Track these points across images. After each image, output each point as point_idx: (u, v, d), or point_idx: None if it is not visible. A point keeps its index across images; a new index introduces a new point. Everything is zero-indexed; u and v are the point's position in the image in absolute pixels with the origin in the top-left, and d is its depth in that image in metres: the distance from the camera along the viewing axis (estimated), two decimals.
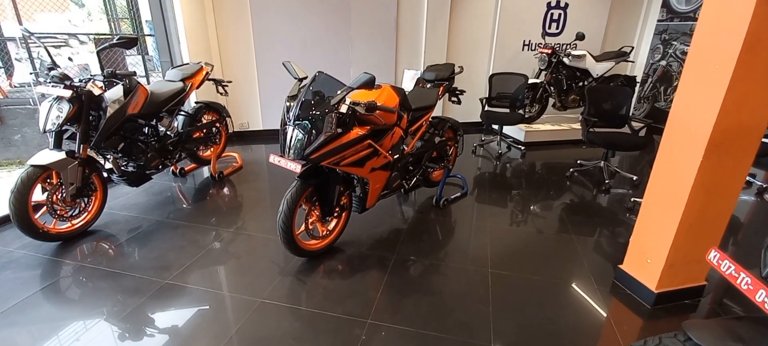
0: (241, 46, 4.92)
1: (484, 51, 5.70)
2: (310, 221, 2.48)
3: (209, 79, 3.73)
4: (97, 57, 2.90)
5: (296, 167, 2.22)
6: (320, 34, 5.06)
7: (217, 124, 3.90)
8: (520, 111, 4.81)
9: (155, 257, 2.55)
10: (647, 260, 2.17)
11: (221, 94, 3.92)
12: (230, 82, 3.98)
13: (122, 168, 3.06)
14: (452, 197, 3.45)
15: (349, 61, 5.26)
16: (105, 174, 2.92)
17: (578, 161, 4.41)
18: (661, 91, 6.05)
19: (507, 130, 5.46)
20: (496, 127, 5.31)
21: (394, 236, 2.87)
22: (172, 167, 3.89)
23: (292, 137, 2.17)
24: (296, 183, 2.31)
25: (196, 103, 3.85)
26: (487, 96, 4.94)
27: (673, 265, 2.09)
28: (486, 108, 4.89)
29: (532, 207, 3.43)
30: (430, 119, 3.16)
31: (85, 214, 2.82)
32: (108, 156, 2.96)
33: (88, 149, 2.67)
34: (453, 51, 5.55)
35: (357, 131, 2.31)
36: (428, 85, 3.32)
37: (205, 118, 3.89)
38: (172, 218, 3.06)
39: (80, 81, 2.62)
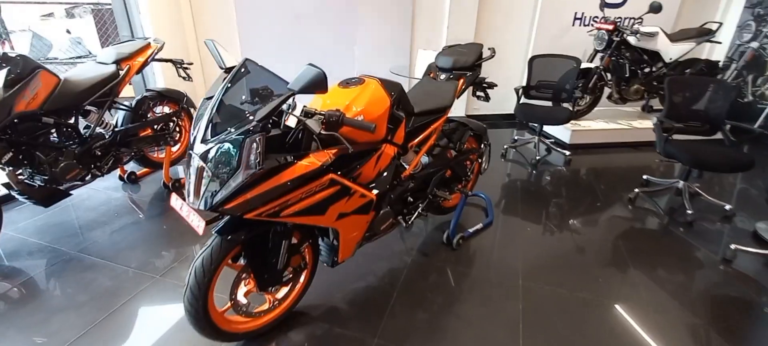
0: (220, 18, 4.04)
1: (523, 26, 4.58)
2: (244, 291, 1.62)
3: (158, 60, 2.88)
4: None
5: (199, 224, 1.35)
6: (317, 4, 4.10)
7: (175, 119, 3.07)
8: (567, 105, 3.73)
9: (38, 322, 1.77)
10: None
11: (184, 79, 3.07)
12: (191, 63, 3.12)
13: (26, 182, 2.29)
14: (471, 231, 2.50)
15: (352, 39, 4.29)
16: None
17: (645, 177, 3.33)
18: (748, 81, 4.75)
19: (548, 127, 4.38)
20: (534, 125, 4.25)
21: (382, 297, 1.98)
22: (120, 171, 3.12)
23: (195, 173, 1.29)
24: (213, 240, 1.45)
25: (148, 90, 3.03)
26: (524, 85, 3.88)
27: None
28: (522, 100, 3.84)
29: (578, 240, 2.44)
30: (442, 125, 2.20)
31: None
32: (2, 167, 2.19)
33: None
34: (483, 27, 4.47)
35: (311, 161, 1.40)
36: (442, 76, 2.33)
37: (161, 111, 3.07)
38: (86, 251, 2.28)
39: None
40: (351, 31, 4.24)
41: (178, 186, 3.07)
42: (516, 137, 4.27)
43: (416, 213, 2.11)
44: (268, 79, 1.45)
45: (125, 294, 1.95)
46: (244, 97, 1.41)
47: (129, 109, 2.78)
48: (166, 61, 2.98)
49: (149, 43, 2.83)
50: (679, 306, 1.98)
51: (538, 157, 3.77)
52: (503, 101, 4.64)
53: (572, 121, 4.13)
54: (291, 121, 1.43)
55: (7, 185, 2.24)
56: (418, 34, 4.43)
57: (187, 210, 1.36)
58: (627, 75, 4.14)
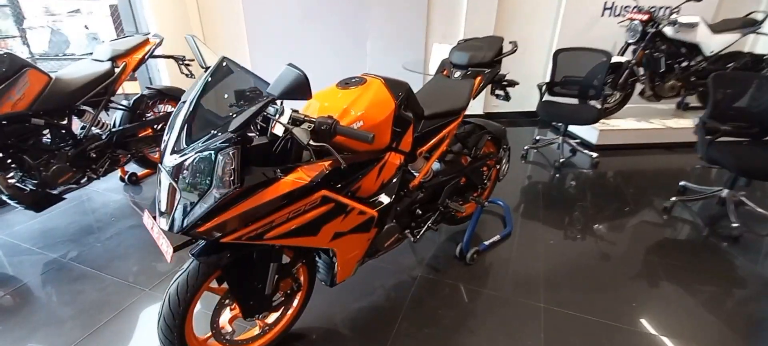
0: (227, 11, 3.89)
1: (547, 18, 4.28)
2: (229, 317, 1.46)
3: (157, 57, 2.75)
4: None
5: (167, 250, 1.18)
6: None
7: None
8: (595, 102, 3.44)
9: (16, 340, 1.66)
10: None
11: (186, 76, 2.94)
12: (192, 60, 2.97)
13: (16, 186, 2.19)
14: (486, 243, 2.28)
15: (364, 33, 4.08)
16: None
17: (682, 184, 3.02)
18: None
19: (573, 127, 4.07)
20: (558, 124, 3.96)
21: (386, 318, 1.79)
22: (120, 172, 3.01)
23: (166, 190, 1.12)
24: (191, 263, 1.28)
25: (148, 88, 2.90)
26: (548, 81, 3.60)
27: None
28: (546, 97, 3.56)
29: (607, 254, 2.18)
30: (456, 129, 1.98)
31: None
32: None
33: None
34: (504, 18, 4.19)
35: (299, 176, 1.21)
36: (457, 74, 2.11)
37: (163, 110, 2.95)
38: (78, 259, 2.16)
39: None
40: (363, 24, 4.03)
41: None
42: (538, 137, 3.99)
43: (426, 227, 1.91)
44: (248, 80, 1.26)
45: (111, 309, 1.82)
46: (224, 99, 1.23)
47: (126, 108, 2.66)
48: (167, 57, 2.85)
49: (148, 39, 2.70)
50: (724, 336, 1.72)
51: (561, 159, 3.49)
52: (525, 98, 4.38)
53: (600, 120, 3.82)
54: (279, 129, 1.25)
55: None
56: (433, 28, 4.18)
57: (158, 232, 1.20)
58: (662, 70, 3.80)
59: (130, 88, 3.82)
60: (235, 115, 1.13)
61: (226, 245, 1.26)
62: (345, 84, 1.53)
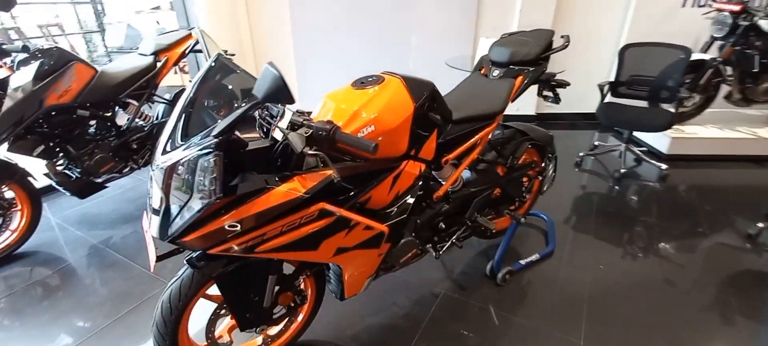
0: (274, 4, 3.91)
1: (616, 8, 3.82)
2: (228, 326, 1.40)
3: (197, 51, 2.79)
4: None
5: (152, 256, 1.12)
6: None
7: None
8: (669, 106, 3.00)
9: (42, 323, 1.74)
10: None
11: None
12: (234, 54, 2.99)
13: (65, 173, 2.32)
14: (523, 263, 2.04)
15: (409, 26, 3.91)
16: (34, 182, 2.21)
17: None
18: None
19: (640, 133, 3.61)
20: (622, 131, 3.53)
21: (401, 339, 1.65)
22: None
23: (156, 192, 1.06)
24: (184, 271, 1.23)
25: (190, 82, 2.97)
26: (612, 80, 3.20)
27: None
28: (608, 99, 3.17)
29: (672, 285, 1.85)
30: (490, 135, 1.77)
31: (7, 233, 2.16)
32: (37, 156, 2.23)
33: None
34: (566, 9, 3.80)
35: (292, 187, 1.10)
36: (495, 73, 1.88)
37: None
38: (114, 247, 2.25)
39: None
40: (408, 16, 3.86)
41: None
42: (597, 143, 3.59)
43: (449, 243, 1.73)
44: (240, 80, 1.18)
45: (133, 300, 1.86)
46: (219, 99, 1.16)
47: (168, 102, 2.73)
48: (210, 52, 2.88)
49: (190, 34, 2.75)
50: None
51: (622, 170, 3.09)
52: (583, 98, 3.98)
53: (673, 127, 3.34)
54: (279, 133, 1.15)
55: (46, 175, 2.28)
56: (483, 20, 3.90)
57: (149, 236, 1.15)
58: (755, 69, 3.22)
59: (174, 81, 4.00)
60: (220, 119, 1.04)
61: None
62: (361, 83, 1.39)
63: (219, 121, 1.02)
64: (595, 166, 3.31)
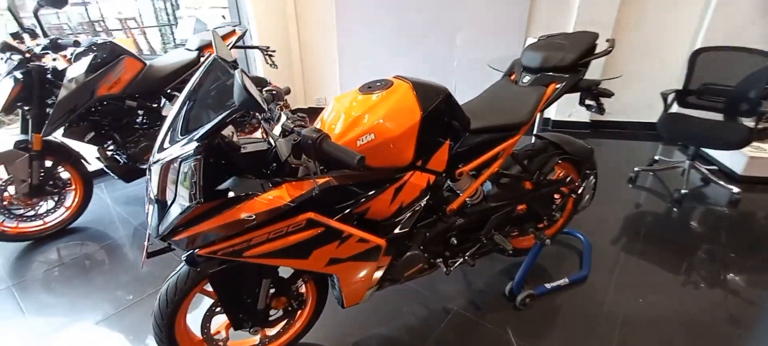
0: (320, 3, 3.96)
1: (692, 7, 3.38)
2: (225, 323, 1.42)
3: (239, 47, 2.90)
4: (35, 18, 2.30)
5: (143, 253, 1.16)
6: None
7: None
8: (748, 120, 2.60)
9: (78, 296, 1.91)
10: None
11: (270, 65, 3.09)
12: (275, 51, 3.07)
13: (114, 157, 2.52)
14: (548, 287, 1.87)
15: (455, 24, 3.76)
16: (87, 165, 2.42)
17: None
18: None
19: (709, 150, 3.18)
20: (687, 146, 3.13)
21: None
22: None
23: (154, 187, 1.09)
24: (182, 266, 1.26)
25: None
26: (679, 88, 2.84)
27: None
28: (673, 109, 2.82)
29: (735, 327, 1.60)
30: (514, 146, 1.63)
31: (62, 210, 2.39)
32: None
33: (42, 139, 2.14)
34: (631, 6, 3.44)
35: (276, 196, 1.08)
36: (525, 79, 1.72)
37: None
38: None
39: (29, 52, 2.06)
40: (454, 14, 3.71)
41: None
42: (658, 158, 3.21)
43: (461, 260, 1.63)
44: (229, 85, 1.17)
45: (156, 283, 1.97)
46: (216, 100, 1.16)
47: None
48: (251, 47, 3.00)
49: (234, 30, 2.86)
50: None
51: (684, 190, 2.74)
52: (645, 107, 3.60)
53: (751, 144, 2.90)
54: (276, 131, 1.14)
55: (98, 158, 2.49)
56: (537, 17, 3.65)
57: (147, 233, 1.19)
58: None
59: None
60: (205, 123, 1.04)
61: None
62: (368, 88, 1.34)
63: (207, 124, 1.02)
64: (652, 183, 2.97)
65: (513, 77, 1.80)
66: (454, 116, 1.41)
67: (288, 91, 1.54)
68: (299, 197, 1.09)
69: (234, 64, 1.19)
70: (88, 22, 6.40)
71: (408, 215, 1.37)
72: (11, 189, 2.17)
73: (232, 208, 1.04)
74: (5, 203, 2.17)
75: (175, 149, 1.03)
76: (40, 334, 1.70)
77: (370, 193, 1.25)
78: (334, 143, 1.00)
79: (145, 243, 1.16)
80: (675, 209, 2.64)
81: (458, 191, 1.57)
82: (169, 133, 1.09)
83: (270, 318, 1.40)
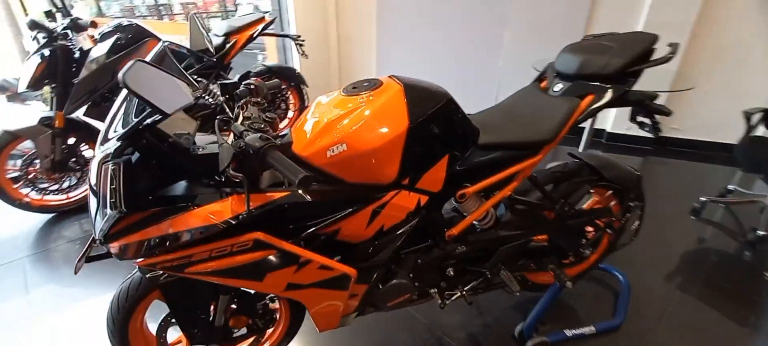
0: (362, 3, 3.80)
1: None
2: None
3: (268, 35, 2.83)
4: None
5: (82, 254, 1.06)
6: None
7: (280, 94, 3.02)
8: None
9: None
10: None
11: (301, 55, 3.00)
12: (304, 40, 2.97)
13: None
14: (567, 334, 1.58)
15: (502, 19, 3.42)
16: None
17: None
18: None
19: None
20: None
21: None
22: None
23: (92, 183, 1.00)
24: (135, 272, 1.17)
25: (264, 65, 3.04)
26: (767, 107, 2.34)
27: None
28: (759, 132, 2.33)
29: None
30: (533, 168, 1.36)
31: (84, 186, 2.46)
32: None
33: (65, 116, 2.19)
34: (716, 6, 2.91)
35: (215, 210, 0.94)
36: (557, 87, 1.43)
37: None
38: None
39: (54, 32, 2.10)
40: (502, 9, 3.38)
41: None
42: (732, 187, 2.70)
43: (458, 294, 1.40)
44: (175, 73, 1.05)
45: None
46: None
47: (233, 82, 2.81)
48: (279, 36, 2.92)
49: (263, 18, 2.79)
50: None
51: (761, 233, 2.25)
52: (730, 125, 3.04)
53: None
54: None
55: None
56: (599, 13, 3.20)
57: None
58: None
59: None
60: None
61: None
62: (353, 88, 1.16)
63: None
64: (722, 217, 2.49)
65: (544, 84, 1.52)
66: (455, 127, 1.19)
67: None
68: (234, 216, 0.93)
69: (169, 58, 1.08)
70: (154, 5, 6.73)
71: (391, 240, 1.18)
72: (37, 163, 2.25)
73: (165, 219, 0.92)
74: (30, 176, 2.26)
75: (111, 144, 0.92)
76: (75, 298, 1.74)
77: (340, 213, 1.07)
78: (279, 155, 0.84)
79: (86, 245, 1.07)
80: (747, 252, 2.18)
81: (464, 213, 1.35)
82: (114, 122, 0.99)
83: (234, 335, 1.27)
